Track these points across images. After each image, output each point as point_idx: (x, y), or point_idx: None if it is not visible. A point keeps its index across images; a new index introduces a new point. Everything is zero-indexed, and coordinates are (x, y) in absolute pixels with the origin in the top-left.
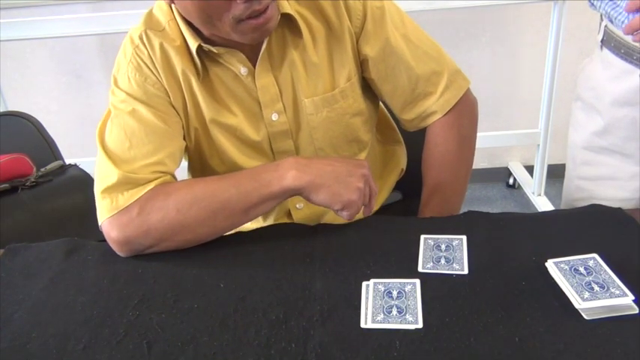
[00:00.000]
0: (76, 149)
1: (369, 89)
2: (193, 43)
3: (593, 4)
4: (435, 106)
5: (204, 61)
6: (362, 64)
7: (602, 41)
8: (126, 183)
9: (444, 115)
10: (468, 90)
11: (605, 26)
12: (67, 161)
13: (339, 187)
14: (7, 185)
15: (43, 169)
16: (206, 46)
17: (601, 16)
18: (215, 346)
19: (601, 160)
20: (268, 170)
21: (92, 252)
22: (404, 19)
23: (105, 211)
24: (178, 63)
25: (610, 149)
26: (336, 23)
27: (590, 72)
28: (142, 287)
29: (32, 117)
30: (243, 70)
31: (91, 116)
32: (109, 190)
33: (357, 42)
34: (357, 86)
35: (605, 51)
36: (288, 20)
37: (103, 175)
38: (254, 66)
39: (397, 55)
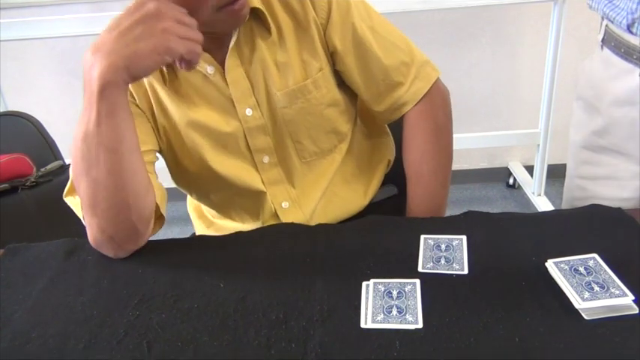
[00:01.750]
0: None
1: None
2: None
3: (590, 5)
4: (406, 96)
5: (171, 64)
6: (332, 56)
7: (602, 41)
8: None
9: (416, 105)
10: (438, 80)
11: (606, 26)
12: (67, 161)
13: (145, 46)
14: (7, 185)
15: (43, 169)
16: None
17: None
18: (215, 346)
19: (601, 160)
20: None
21: (92, 252)
22: (370, 12)
23: (78, 211)
24: None
25: (610, 149)
26: (301, 15)
27: (591, 71)
28: (142, 287)
29: (32, 117)
30: (209, 69)
31: None
32: (70, 190)
33: (325, 33)
34: (329, 76)
35: (606, 50)
36: (255, 15)
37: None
38: (220, 65)
39: (365, 46)
